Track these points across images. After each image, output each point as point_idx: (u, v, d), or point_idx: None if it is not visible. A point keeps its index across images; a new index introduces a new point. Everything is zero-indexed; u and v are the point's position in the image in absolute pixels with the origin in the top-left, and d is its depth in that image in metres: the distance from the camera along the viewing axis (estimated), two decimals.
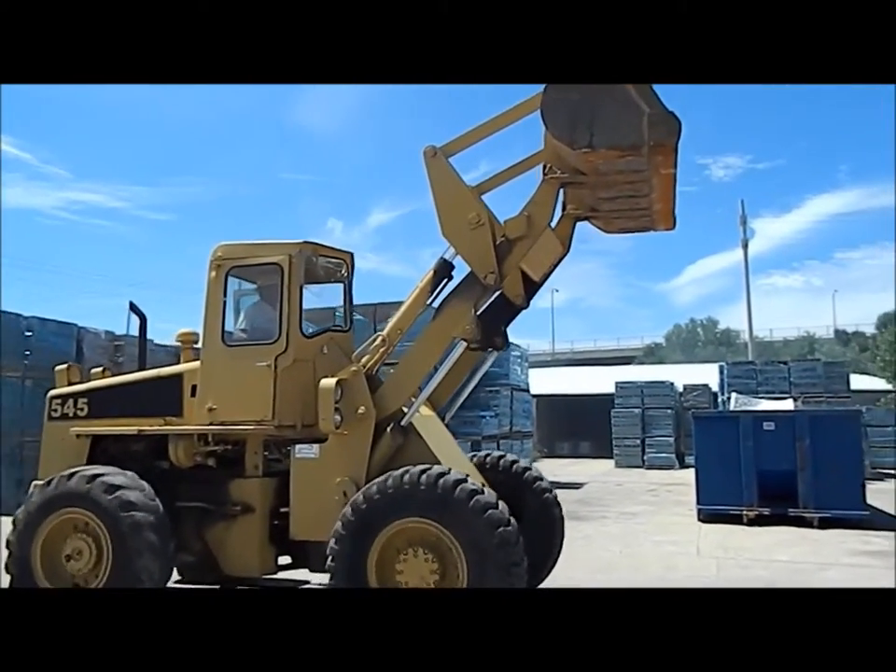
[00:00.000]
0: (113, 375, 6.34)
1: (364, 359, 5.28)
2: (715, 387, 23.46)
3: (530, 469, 6.20)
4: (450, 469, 4.51)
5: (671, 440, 23.77)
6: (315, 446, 5.15)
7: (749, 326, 35.33)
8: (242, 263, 5.59)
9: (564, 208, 5.03)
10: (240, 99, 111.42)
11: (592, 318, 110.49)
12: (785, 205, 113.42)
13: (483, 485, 4.58)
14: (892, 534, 9.90)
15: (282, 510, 5.30)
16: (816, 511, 10.52)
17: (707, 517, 11.17)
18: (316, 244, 5.63)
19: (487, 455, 6.32)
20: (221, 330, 5.54)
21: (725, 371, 22.28)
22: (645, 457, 23.71)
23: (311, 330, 5.65)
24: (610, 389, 25.73)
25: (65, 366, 6.33)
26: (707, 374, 25.69)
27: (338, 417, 4.95)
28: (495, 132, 5.05)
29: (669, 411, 24.18)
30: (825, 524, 10.38)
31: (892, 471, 21.27)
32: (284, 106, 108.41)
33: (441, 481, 4.39)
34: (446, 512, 4.36)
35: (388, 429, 5.03)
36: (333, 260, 5.90)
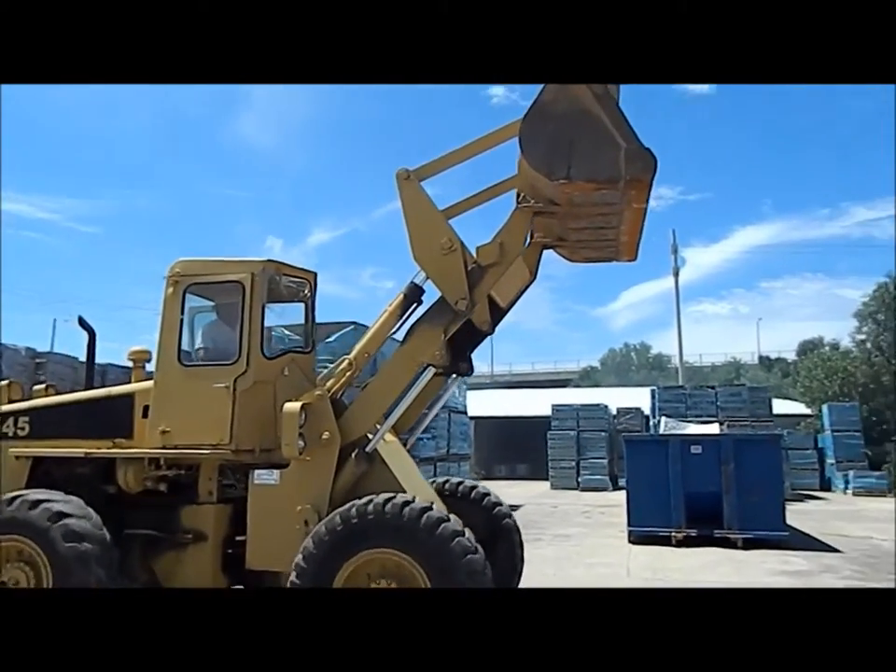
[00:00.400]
0: (58, 393, 6.07)
1: (329, 383, 5.19)
2: (647, 411, 24.12)
3: (489, 493, 6.18)
4: (414, 498, 4.45)
5: (605, 462, 24.25)
6: (276, 472, 5.01)
7: (680, 351, 36.50)
8: (201, 280, 5.45)
9: (532, 236, 5.08)
10: (178, 110, 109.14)
11: (530, 341, 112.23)
12: (713, 236, 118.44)
13: (448, 514, 4.51)
14: (809, 553, 10.38)
15: (237, 538, 5.14)
16: (740, 533, 10.90)
17: (637, 539, 11.43)
18: (280, 262, 5.54)
19: (447, 481, 6.28)
20: (178, 349, 5.35)
21: (657, 395, 22.98)
22: (580, 479, 24.08)
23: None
24: (547, 412, 26.10)
25: (6, 382, 6.05)
26: (640, 398, 26.33)
27: (301, 443, 4.83)
28: (469, 157, 5.05)
29: (603, 433, 24.69)
30: (748, 544, 10.76)
31: (811, 493, 22.31)
32: (223, 120, 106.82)
33: (407, 509, 4.32)
34: (412, 541, 4.28)
35: (353, 456, 4.94)
36: (296, 280, 5.77)
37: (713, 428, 15.41)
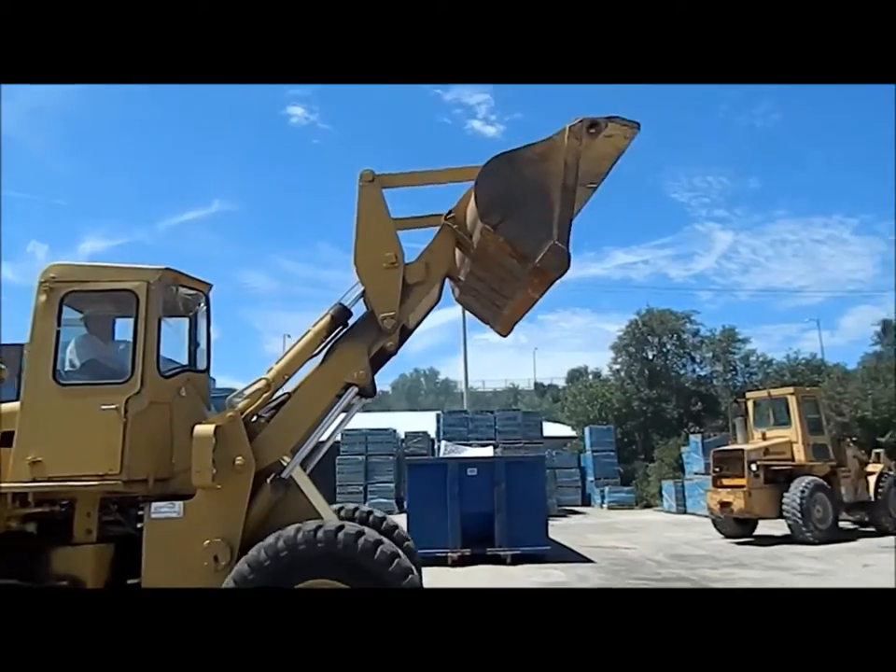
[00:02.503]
0: None
1: (241, 404, 4.75)
2: (434, 434, 25.00)
3: (385, 518, 6.13)
4: (365, 530, 4.28)
5: (392, 485, 24.62)
6: (178, 504, 4.49)
7: (465, 377, 38.39)
8: (82, 288, 4.83)
9: None
10: None
11: None
12: None
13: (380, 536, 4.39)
14: (567, 565, 11.40)
15: (129, 581, 4.55)
16: (509, 549, 11.66)
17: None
18: (177, 272, 5.03)
19: (342, 507, 6.16)
20: (53, 366, 4.64)
21: (442, 420, 23.98)
22: (367, 503, 24.14)
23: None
24: (336, 436, 25.87)
25: None
26: (428, 422, 27.25)
27: (214, 469, 4.36)
28: (438, 182, 5.04)
29: (391, 457, 25.08)
30: (517, 560, 11.53)
31: (574, 508, 24.59)
32: None
33: (361, 540, 4.15)
34: (350, 569, 4.09)
35: (269, 482, 4.60)
36: (192, 292, 5.27)
37: (488, 451, 16.40)
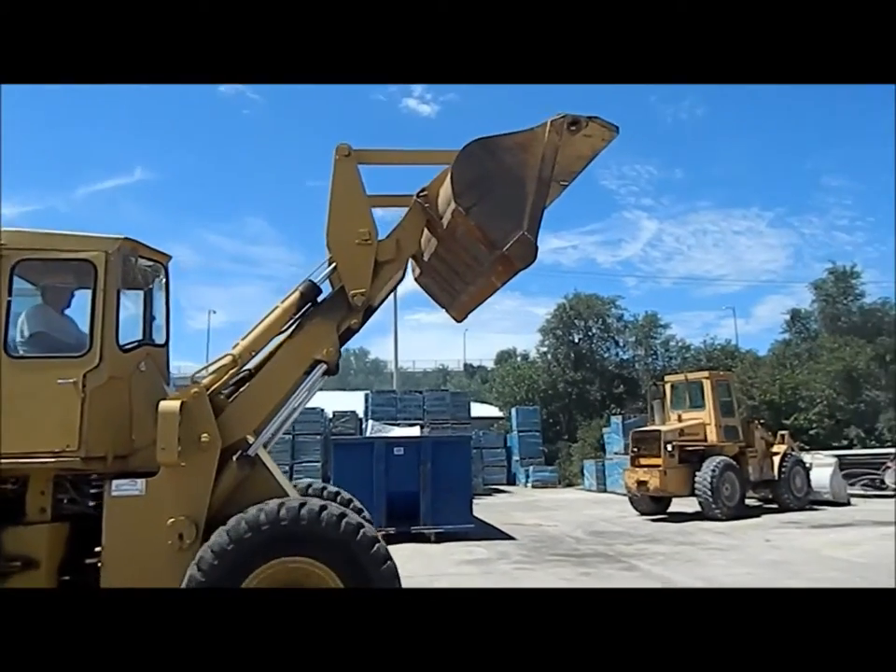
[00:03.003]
0: None
1: (207, 380, 4.61)
2: (362, 414, 24.92)
3: (353, 501, 6.10)
4: (330, 504, 4.26)
5: (319, 465, 24.39)
6: (140, 481, 4.38)
7: (395, 357, 38.39)
8: (35, 256, 4.62)
9: None
10: None
11: None
12: None
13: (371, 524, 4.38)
14: (489, 542, 11.64)
15: (82, 561, 4.38)
16: (433, 527, 11.82)
17: None
18: (137, 241, 4.83)
19: (310, 485, 6.22)
20: (3, 338, 4.45)
21: (370, 399, 23.91)
22: (293, 483, 23.87)
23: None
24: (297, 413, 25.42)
25: None
26: (356, 402, 27.13)
27: (179, 446, 4.28)
28: (414, 163, 5.03)
29: (318, 437, 24.84)
30: (440, 538, 11.71)
31: (500, 486, 25.08)
32: None
33: (326, 514, 4.11)
34: (328, 548, 4.07)
35: (235, 459, 4.50)
36: (151, 263, 5.07)
37: (415, 431, 16.47)
